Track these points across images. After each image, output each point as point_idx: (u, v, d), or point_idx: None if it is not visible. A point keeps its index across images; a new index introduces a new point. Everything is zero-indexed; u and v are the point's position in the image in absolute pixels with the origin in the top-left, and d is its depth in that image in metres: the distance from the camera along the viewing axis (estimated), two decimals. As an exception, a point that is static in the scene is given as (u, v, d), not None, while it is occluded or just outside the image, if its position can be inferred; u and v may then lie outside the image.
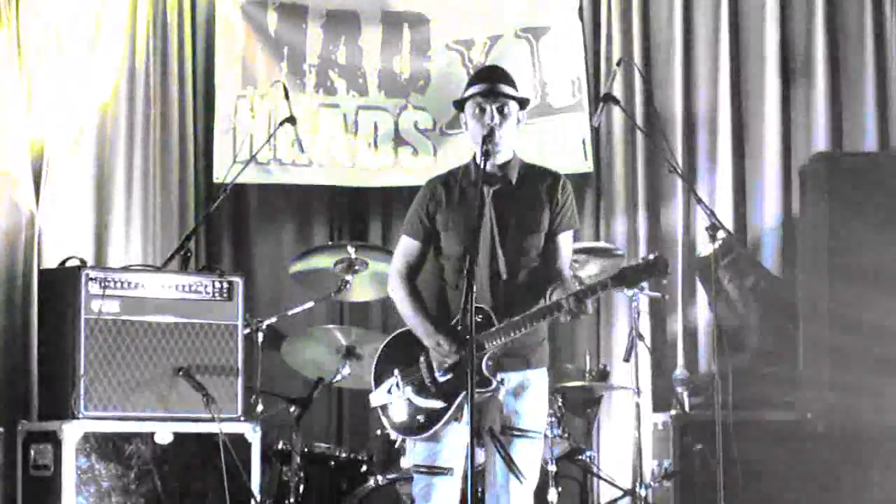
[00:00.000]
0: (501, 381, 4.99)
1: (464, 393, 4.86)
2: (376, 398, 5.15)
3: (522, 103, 5.17)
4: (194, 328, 6.38)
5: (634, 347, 7.04)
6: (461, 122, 5.22)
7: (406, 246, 5.24)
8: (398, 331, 5.22)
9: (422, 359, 5.07)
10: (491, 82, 5.14)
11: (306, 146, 7.93)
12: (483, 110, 5.09)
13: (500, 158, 5.13)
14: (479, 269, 4.93)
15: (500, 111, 5.09)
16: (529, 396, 5.09)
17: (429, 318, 5.09)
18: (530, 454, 5.08)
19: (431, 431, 5.01)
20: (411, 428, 5.09)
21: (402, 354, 5.13)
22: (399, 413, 5.09)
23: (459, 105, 5.20)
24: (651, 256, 4.93)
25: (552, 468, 6.47)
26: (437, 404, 5.01)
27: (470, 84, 5.19)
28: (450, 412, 4.99)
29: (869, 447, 6.88)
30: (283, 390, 6.86)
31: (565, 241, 5.18)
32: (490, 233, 5.05)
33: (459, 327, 4.96)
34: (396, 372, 5.11)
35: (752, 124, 8.15)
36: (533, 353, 5.12)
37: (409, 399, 5.07)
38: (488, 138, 5.04)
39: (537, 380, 5.14)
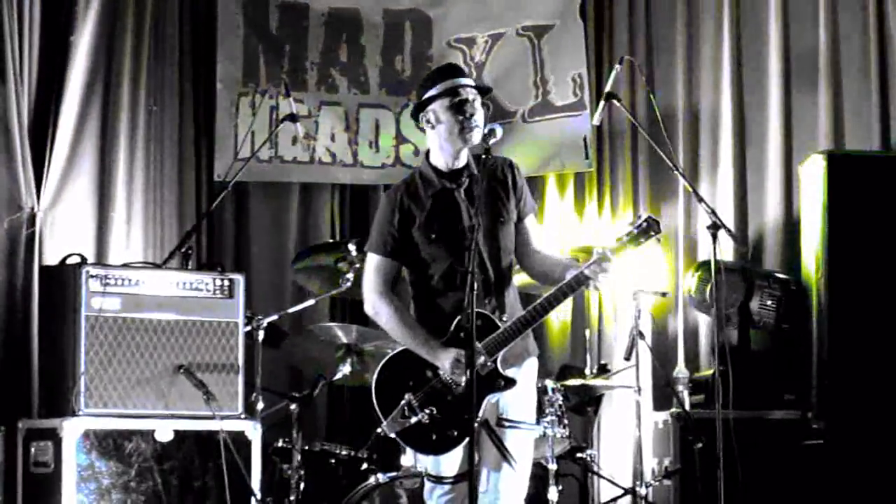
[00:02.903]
0: (514, 380, 4.97)
1: (488, 397, 4.90)
2: (392, 426, 4.96)
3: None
4: (195, 325, 6.38)
5: (635, 346, 7.04)
6: (427, 122, 5.04)
7: (378, 263, 5.08)
8: (388, 357, 5.07)
9: (430, 374, 4.97)
10: (465, 76, 5.08)
11: (307, 144, 7.92)
12: (464, 101, 4.98)
13: (463, 156, 5.05)
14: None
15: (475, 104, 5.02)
16: (521, 388, 5.04)
17: (430, 337, 4.96)
18: (523, 444, 5.05)
19: (466, 441, 4.83)
20: (443, 446, 4.95)
21: (405, 377, 4.98)
22: (421, 435, 4.95)
23: (423, 105, 5.03)
24: (641, 219, 4.92)
25: (552, 466, 6.46)
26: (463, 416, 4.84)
27: (437, 81, 5.03)
28: (479, 420, 4.86)
29: (870, 446, 6.88)
30: (284, 388, 6.86)
31: (532, 223, 5.15)
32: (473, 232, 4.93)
33: (462, 334, 4.79)
34: (408, 396, 4.95)
35: (754, 123, 8.13)
36: (527, 345, 5.10)
37: (431, 419, 4.92)
38: (471, 128, 4.94)
39: (528, 370, 5.12)
